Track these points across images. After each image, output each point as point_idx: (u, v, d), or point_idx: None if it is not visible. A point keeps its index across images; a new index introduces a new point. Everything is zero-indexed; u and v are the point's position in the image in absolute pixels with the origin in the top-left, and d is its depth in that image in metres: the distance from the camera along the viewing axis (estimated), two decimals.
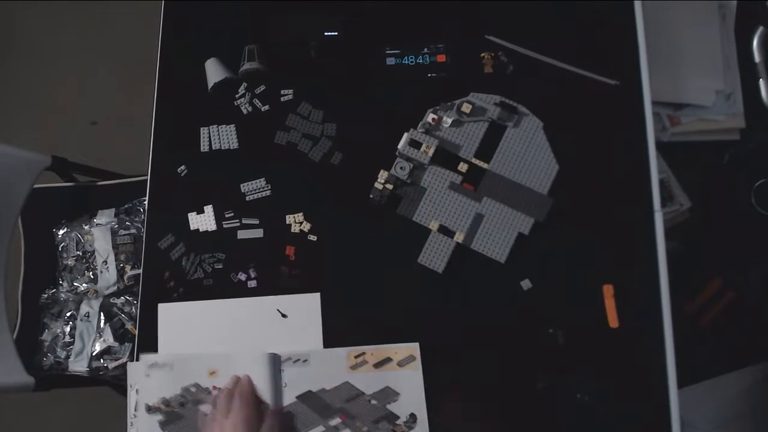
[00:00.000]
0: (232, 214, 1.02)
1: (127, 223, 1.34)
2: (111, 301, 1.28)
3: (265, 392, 0.90)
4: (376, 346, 0.91)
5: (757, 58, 1.28)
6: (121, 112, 2.06)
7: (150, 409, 0.92)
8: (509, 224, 0.96)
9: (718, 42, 1.24)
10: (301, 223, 1.00)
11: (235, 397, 0.87)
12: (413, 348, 0.90)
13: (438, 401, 0.90)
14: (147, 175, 1.06)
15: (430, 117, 1.01)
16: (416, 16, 1.08)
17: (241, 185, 1.03)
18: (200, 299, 0.98)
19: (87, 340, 1.27)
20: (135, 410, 0.92)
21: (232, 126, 1.06)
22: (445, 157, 1.00)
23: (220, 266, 1.00)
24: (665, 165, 1.23)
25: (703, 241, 1.27)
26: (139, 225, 1.34)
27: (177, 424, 0.91)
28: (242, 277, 0.99)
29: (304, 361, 0.92)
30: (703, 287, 1.27)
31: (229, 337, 0.95)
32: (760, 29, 1.28)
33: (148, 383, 0.93)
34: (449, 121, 1.01)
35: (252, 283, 0.98)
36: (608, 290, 0.93)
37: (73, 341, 1.27)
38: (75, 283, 1.34)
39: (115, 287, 1.32)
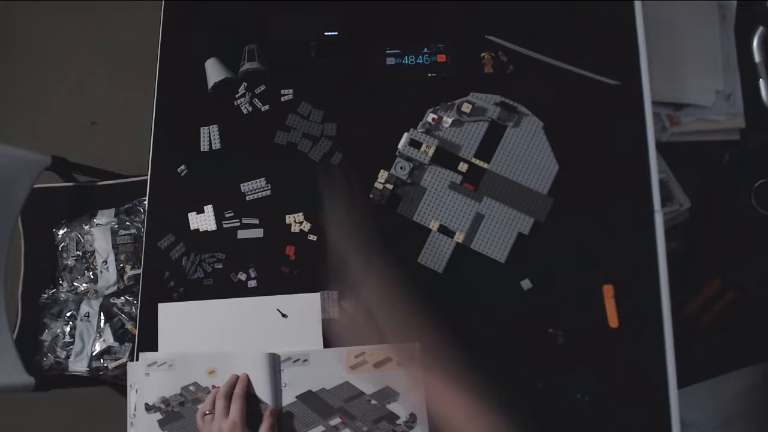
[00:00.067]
0: (232, 214, 1.02)
1: (127, 223, 1.34)
2: (111, 301, 1.28)
3: (264, 392, 0.90)
4: (376, 346, 0.91)
5: (757, 58, 1.28)
6: (120, 112, 2.06)
7: (149, 408, 0.92)
8: (509, 224, 0.96)
9: (718, 42, 1.24)
10: (301, 223, 1.00)
11: (234, 396, 0.87)
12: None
13: (438, 401, 0.90)
14: (147, 175, 1.06)
15: (430, 117, 1.01)
16: (416, 16, 1.08)
17: (241, 185, 1.03)
18: (200, 299, 0.98)
19: (87, 340, 1.27)
20: (134, 410, 0.92)
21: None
22: (445, 156, 1.00)
23: (220, 266, 1.00)
24: (665, 165, 1.22)
25: (703, 241, 1.27)
26: (139, 225, 1.34)
27: (176, 423, 0.91)
28: (242, 277, 0.99)
29: (304, 361, 0.92)
30: (703, 287, 1.27)
31: (229, 337, 0.95)
32: (760, 29, 1.28)
33: (147, 382, 0.93)
34: (449, 121, 1.01)
35: (252, 283, 0.98)
36: (608, 290, 0.93)
37: (73, 341, 1.27)
38: (75, 283, 1.34)
39: (115, 287, 1.32)
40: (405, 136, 0.99)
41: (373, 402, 0.90)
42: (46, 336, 1.29)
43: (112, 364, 1.25)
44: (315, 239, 0.99)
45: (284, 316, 0.95)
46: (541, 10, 1.06)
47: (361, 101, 1.06)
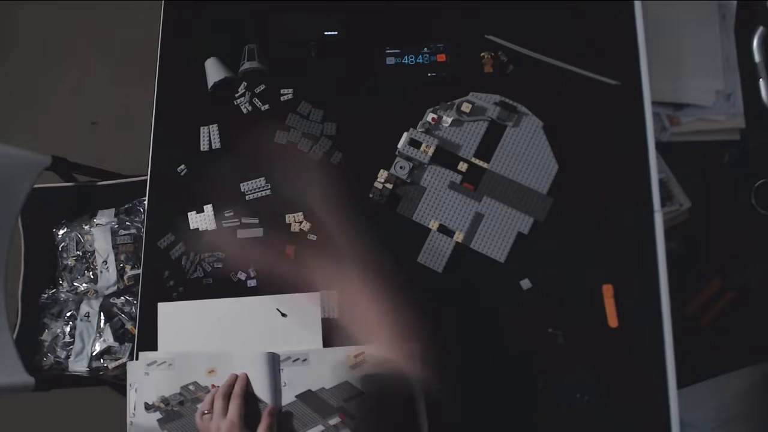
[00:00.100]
0: (232, 214, 1.02)
1: (127, 223, 1.34)
2: (111, 301, 1.28)
3: (263, 391, 0.90)
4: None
5: (757, 58, 1.28)
6: (120, 112, 2.06)
7: (149, 408, 0.92)
8: (509, 224, 0.96)
9: (718, 42, 1.24)
10: (301, 222, 1.00)
11: (232, 396, 0.87)
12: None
13: (438, 401, 0.90)
14: (147, 175, 1.06)
15: (429, 116, 1.01)
16: (416, 16, 1.08)
17: (241, 185, 1.03)
18: (200, 298, 0.98)
19: (87, 340, 1.27)
20: (134, 409, 0.92)
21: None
22: (445, 156, 1.00)
23: (220, 265, 0.99)
24: (665, 165, 1.22)
25: (703, 241, 1.27)
26: (139, 225, 1.34)
27: (176, 423, 0.91)
28: (242, 276, 0.99)
29: (304, 360, 0.92)
30: (703, 287, 1.27)
31: (229, 337, 0.95)
32: (760, 29, 1.28)
33: (147, 381, 0.93)
34: (449, 120, 1.01)
35: (252, 283, 0.98)
36: (608, 290, 0.93)
37: (73, 341, 1.27)
38: (75, 283, 1.34)
39: (115, 287, 1.32)
40: (405, 136, 0.99)
41: None
42: (46, 336, 1.29)
43: (112, 364, 1.25)
44: (315, 239, 0.99)
45: (284, 315, 0.95)
46: (541, 10, 1.06)
47: (361, 101, 1.06)
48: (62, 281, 1.35)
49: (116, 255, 1.33)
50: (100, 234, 1.34)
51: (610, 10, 1.05)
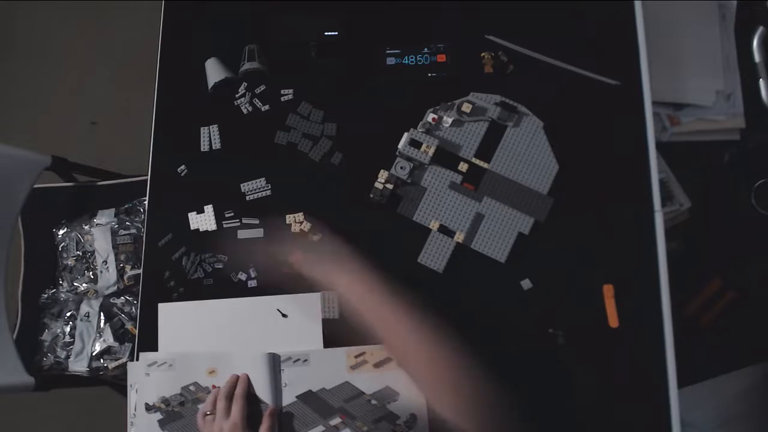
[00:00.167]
0: (232, 214, 1.02)
1: (127, 223, 1.34)
2: (111, 301, 1.28)
3: (264, 392, 0.90)
4: (376, 346, 0.91)
5: (757, 58, 1.28)
6: (120, 112, 2.06)
7: (149, 408, 0.92)
8: (509, 224, 0.96)
9: (718, 42, 1.24)
10: (301, 222, 1.00)
11: (234, 397, 0.87)
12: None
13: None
14: (147, 175, 1.06)
15: (430, 117, 1.01)
16: (416, 16, 1.08)
17: (241, 185, 1.03)
18: (200, 299, 0.98)
19: (87, 340, 1.27)
20: (135, 410, 0.92)
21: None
22: (446, 156, 1.00)
23: (220, 266, 1.00)
24: (665, 165, 1.22)
25: (703, 241, 1.27)
26: (139, 225, 1.34)
27: (176, 423, 0.91)
28: (242, 276, 0.99)
29: (304, 361, 0.92)
30: (703, 287, 1.27)
31: (229, 337, 0.95)
32: (760, 29, 1.28)
33: (147, 382, 0.93)
34: (449, 120, 1.01)
35: (252, 283, 0.98)
36: (608, 290, 0.93)
37: (73, 341, 1.27)
38: (75, 283, 1.34)
39: (115, 287, 1.32)
40: (405, 136, 0.99)
41: (373, 402, 0.90)
42: (46, 336, 1.29)
43: (112, 364, 1.25)
44: (317, 239, 0.99)
45: (284, 316, 0.95)
46: (541, 10, 1.06)
47: (361, 101, 1.06)
48: (62, 281, 1.35)
49: (116, 255, 1.33)
50: (100, 234, 1.34)
51: (610, 10, 1.05)
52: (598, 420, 0.89)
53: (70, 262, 1.35)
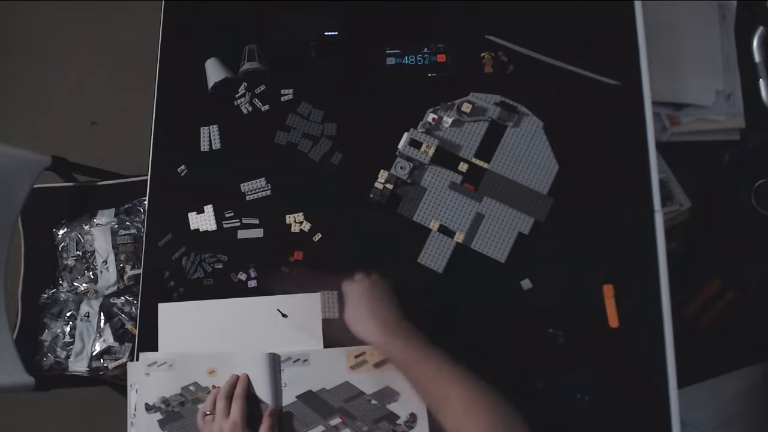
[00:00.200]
0: (232, 214, 1.02)
1: (127, 223, 1.34)
2: (111, 301, 1.28)
3: (264, 392, 0.90)
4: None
5: (757, 58, 1.28)
6: (120, 112, 2.06)
7: (149, 408, 0.92)
8: (509, 224, 0.96)
9: (718, 42, 1.24)
10: (301, 223, 1.00)
11: (234, 397, 0.87)
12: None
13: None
14: (147, 175, 1.06)
15: (430, 117, 1.01)
16: (416, 16, 1.08)
17: (241, 185, 1.03)
18: (200, 299, 0.98)
19: (87, 340, 1.27)
20: (135, 410, 0.92)
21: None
22: (445, 156, 1.00)
23: (220, 266, 1.00)
24: (665, 165, 1.23)
25: (703, 241, 1.27)
26: (139, 225, 1.34)
27: (176, 423, 0.91)
28: (242, 276, 0.99)
29: (304, 361, 0.92)
30: (703, 287, 1.27)
31: (229, 337, 0.95)
32: (760, 29, 1.28)
33: (147, 382, 0.93)
34: (449, 120, 1.01)
35: (252, 283, 0.98)
36: (608, 290, 0.93)
37: (73, 341, 1.27)
38: (75, 283, 1.34)
39: (115, 287, 1.32)
40: (405, 136, 0.99)
41: (373, 402, 0.90)
42: (46, 336, 1.29)
43: (112, 364, 1.25)
44: (317, 239, 0.99)
45: (284, 316, 0.95)
46: (541, 10, 1.06)
47: (361, 101, 1.06)
48: (62, 281, 1.35)
49: (116, 255, 1.33)
50: (100, 234, 1.34)
51: (610, 10, 1.05)
52: (598, 420, 0.89)
53: (70, 262, 1.35)
